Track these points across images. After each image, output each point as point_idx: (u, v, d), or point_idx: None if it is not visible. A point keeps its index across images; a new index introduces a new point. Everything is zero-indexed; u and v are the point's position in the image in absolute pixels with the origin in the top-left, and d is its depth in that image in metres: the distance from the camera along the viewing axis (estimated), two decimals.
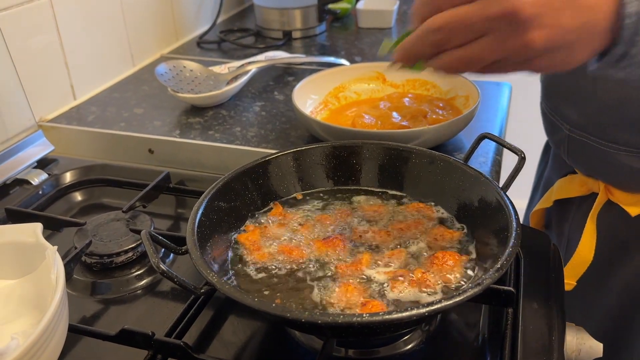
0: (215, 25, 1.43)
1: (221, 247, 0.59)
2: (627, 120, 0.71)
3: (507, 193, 0.58)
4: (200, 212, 0.58)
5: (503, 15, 0.44)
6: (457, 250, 0.59)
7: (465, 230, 0.62)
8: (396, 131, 0.81)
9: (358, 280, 0.55)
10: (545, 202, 0.91)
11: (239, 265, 0.59)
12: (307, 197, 0.69)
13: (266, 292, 0.55)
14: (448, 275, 0.55)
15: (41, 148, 0.89)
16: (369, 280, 0.55)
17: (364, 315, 0.44)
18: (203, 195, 0.61)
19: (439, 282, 0.54)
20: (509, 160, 0.80)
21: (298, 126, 0.94)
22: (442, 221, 0.63)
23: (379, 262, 0.58)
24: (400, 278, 0.55)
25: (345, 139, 0.74)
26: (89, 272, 0.68)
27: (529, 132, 1.34)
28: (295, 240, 0.62)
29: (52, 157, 0.90)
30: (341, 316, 0.44)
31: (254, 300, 0.47)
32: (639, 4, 0.45)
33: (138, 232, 0.68)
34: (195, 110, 1.01)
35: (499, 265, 0.49)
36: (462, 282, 0.54)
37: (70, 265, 0.63)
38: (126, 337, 0.55)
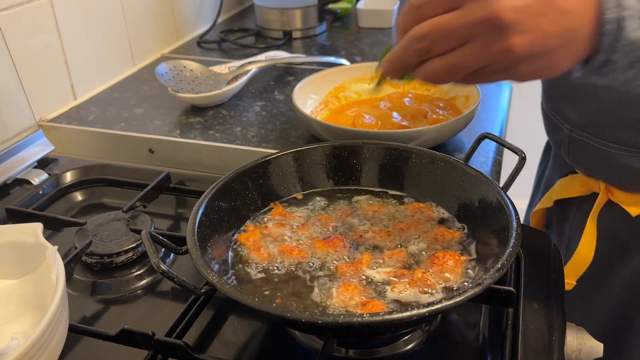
0: (216, 25, 1.43)
1: (221, 247, 0.59)
2: (628, 120, 0.71)
3: (507, 193, 0.58)
4: (200, 212, 0.58)
5: (484, 21, 0.45)
6: (458, 250, 0.59)
7: (465, 230, 0.62)
8: (396, 131, 0.81)
9: (358, 280, 0.55)
10: (546, 202, 0.91)
11: (239, 265, 0.59)
12: (308, 197, 0.69)
13: (266, 292, 0.55)
14: (448, 275, 0.55)
15: (41, 148, 0.89)
16: (369, 280, 0.55)
17: (365, 315, 0.44)
18: (203, 195, 0.61)
19: (440, 282, 0.54)
20: (509, 160, 0.80)
21: (298, 126, 0.94)
22: (442, 221, 0.63)
23: (379, 262, 0.58)
24: (401, 278, 0.55)
25: (346, 138, 0.74)
26: (89, 272, 0.68)
27: (529, 132, 1.34)
28: (295, 240, 0.62)
29: (52, 157, 0.90)
30: (342, 316, 0.44)
31: (254, 300, 0.47)
32: (618, 10, 0.45)
33: (138, 232, 0.68)
34: (196, 110, 1.01)
35: (499, 265, 0.48)
36: (463, 282, 0.54)
37: (70, 265, 0.63)
38: (126, 337, 0.55)
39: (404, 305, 0.52)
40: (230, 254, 0.60)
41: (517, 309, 0.57)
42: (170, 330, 0.56)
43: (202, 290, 0.52)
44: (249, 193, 0.66)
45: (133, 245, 0.68)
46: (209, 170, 0.89)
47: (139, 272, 0.67)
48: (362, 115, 0.88)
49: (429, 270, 0.56)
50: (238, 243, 0.61)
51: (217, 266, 0.55)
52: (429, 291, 0.53)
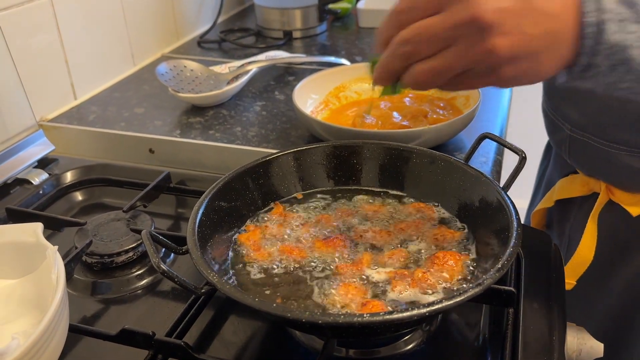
0: (216, 25, 1.43)
1: (222, 247, 0.59)
2: (628, 120, 0.71)
3: (508, 193, 0.58)
4: (200, 211, 0.58)
5: (466, 23, 0.45)
6: (458, 250, 0.59)
7: (466, 230, 0.62)
8: (397, 131, 0.81)
9: (359, 280, 0.55)
10: (547, 202, 0.91)
11: (240, 265, 0.59)
12: (308, 197, 0.69)
13: (267, 292, 0.55)
14: (448, 275, 0.55)
15: (42, 148, 0.89)
16: (370, 280, 0.55)
17: (365, 315, 0.44)
18: (204, 195, 0.60)
19: (440, 282, 0.54)
20: (509, 160, 0.80)
21: (299, 126, 0.94)
22: (442, 221, 0.63)
23: (380, 262, 0.58)
24: (401, 278, 0.55)
25: (346, 138, 0.74)
26: (90, 271, 0.68)
27: (529, 132, 1.34)
28: (295, 240, 0.62)
29: (52, 157, 0.90)
30: (342, 316, 0.44)
31: (255, 300, 0.47)
32: (598, 14, 0.46)
33: (138, 231, 0.68)
34: (196, 110, 1.01)
35: (499, 265, 0.48)
36: (463, 282, 0.54)
37: (70, 265, 0.63)
38: (127, 337, 0.55)
39: (404, 305, 0.52)
40: (230, 253, 0.60)
41: (517, 309, 0.57)
42: (170, 330, 0.56)
43: (203, 290, 0.52)
44: (249, 193, 0.65)
45: (133, 245, 0.68)
46: (209, 170, 0.89)
47: (139, 272, 0.67)
48: (362, 115, 0.88)
49: (429, 270, 0.55)
50: (238, 243, 0.61)
51: (217, 266, 0.55)
52: (430, 291, 0.53)
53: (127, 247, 0.68)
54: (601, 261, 0.80)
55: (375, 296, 0.53)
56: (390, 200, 0.67)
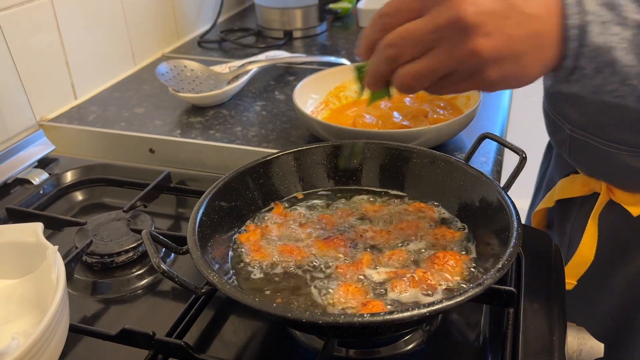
0: (216, 24, 1.43)
1: (222, 247, 0.59)
2: (628, 120, 0.70)
3: (508, 193, 0.58)
4: (201, 211, 0.58)
5: (449, 24, 0.46)
6: (458, 250, 0.58)
7: (466, 230, 0.61)
8: (397, 131, 0.81)
9: (359, 280, 0.55)
10: (548, 201, 0.91)
11: (240, 265, 0.59)
12: (308, 197, 0.69)
13: (267, 292, 0.55)
14: (449, 276, 0.55)
15: (42, 147, 0.89)
16: (370, 280, 0.55)
17: (365, 315, 0.44)
18: (204, 195, 0.60)
19: (440, 282, 0.54)
20: (510, 160, 0.80)
21: (299, 126, 0.94)
22: (443, 221, 0.63)
23: (380, 262, 0.58)
24: (401, 278, 0.55)
25: (346, 138, 0.74)
26: (90, 271, 0.68)
27: (530, 132, 1.34)
28: (296, 240, 0.61)
29: (52, 157, 0.90)
30: (342, 316, 0.44)
31: (255, 300, 0.47)
32: (581, 16, 0.46)
33: (139, 231, 0.68)
34: (196, 109, 1.01)
35: (500, 266, 0.48)
36: (463, 282, 0.54)
37: (71, 265, 0.63)
38: (127, 337, 0.55)
39: (404, 305, 0.52)
40: (230, 253, 0.60)
41: (517, 309, 0.57)
42: (170, 330, 0.56)
43: (203, 290, 0.52)
44: (249, 193, 0.65)
45: (133, 245, 0.68)
46: (209, 170, 0.89)
47: (139, 272, 0.67)
48: (362, 115, 0.88)
49: (429, 270, 0.55)
50: (238, 243, 0.61)
51: (217, 266, 0.55)
52: (430, 291, 0.53)
53: (127, 247, 0.68)
54: (602, 261, 0.80)
55: (375, 296, 0.53)
56: (391, 200, 0.67)
